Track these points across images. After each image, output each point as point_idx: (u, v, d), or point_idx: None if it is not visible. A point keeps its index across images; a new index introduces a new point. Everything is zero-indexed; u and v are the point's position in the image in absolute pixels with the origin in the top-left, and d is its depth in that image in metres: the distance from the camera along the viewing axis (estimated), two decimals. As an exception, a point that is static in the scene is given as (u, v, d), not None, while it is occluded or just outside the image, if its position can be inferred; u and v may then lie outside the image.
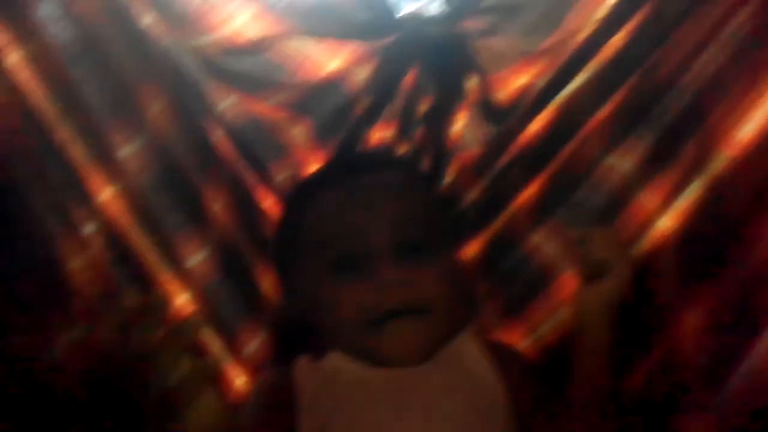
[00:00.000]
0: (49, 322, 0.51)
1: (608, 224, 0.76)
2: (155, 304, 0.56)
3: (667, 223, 0.72)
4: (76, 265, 0.56)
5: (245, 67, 0.73)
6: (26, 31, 0.59)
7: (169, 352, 0.53)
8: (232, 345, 0.78)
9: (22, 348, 0.50)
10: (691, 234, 0.70)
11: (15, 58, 0.59)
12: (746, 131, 0.65)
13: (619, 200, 0.76)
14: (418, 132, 0.86)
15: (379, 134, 0.86)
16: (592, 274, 0.72)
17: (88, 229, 0.63)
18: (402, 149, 0.87)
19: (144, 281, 0.69)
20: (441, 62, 0.78)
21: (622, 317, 0.72)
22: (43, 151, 0.59)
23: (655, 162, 0.73)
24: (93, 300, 0.57)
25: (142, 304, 0.56)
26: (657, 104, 0.72)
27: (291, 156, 0.84)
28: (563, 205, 0.79)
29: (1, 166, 0.51)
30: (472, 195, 0.86)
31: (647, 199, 0.74)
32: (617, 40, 0.72)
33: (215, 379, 0.72)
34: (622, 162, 0.74)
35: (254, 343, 0.80)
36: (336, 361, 0.74)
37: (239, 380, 0.79)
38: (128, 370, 0.52)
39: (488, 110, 0.82)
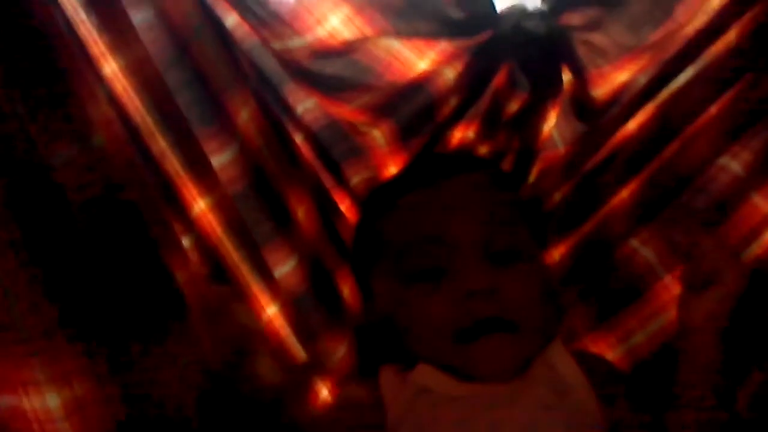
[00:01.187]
0: (170, 337, 0.49)
1: (717, 228, 0.72)
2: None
3: None
4: (181, 278, 0.54)
5: (333, 69, 0.71)
6: (123, 39, 0.56)
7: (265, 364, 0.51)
8: (318, 355, 0.76)
9: (144, 368, 0.48)
10: None
11: (111, 69, 0.57)
12: None
13: (729, 203, 0.72)
14: (502, 132, 0.83)
15: (461, 134, 0.83)
16: (698, 283, 0.68)
17: (185, 242, 0.61)
18: (483, 150, 0.84)
19: (236, 296, 0.67)
20: (537, 58, 0.74)
21: (733, 330, 0.68)
22: (142, 164, 0.57)
23: (765, 165, 0.69)
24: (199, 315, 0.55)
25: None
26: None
27: (369, 159, 0.82)
28: (666, 208, 0.75)
29: (121, 180, 0.49)
30: (559, 195, 0.82)
31: (761, 202, 0.69)
32: (732, 34, 0.68)
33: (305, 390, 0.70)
34: (734, 163, 0.70)
35: (339, 352, 0.77)
36: (426, 373, 0.71)
37: (325, 390, 0.76)
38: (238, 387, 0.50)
39: (581, 108, 0.78)
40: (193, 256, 0.63)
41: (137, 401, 0.48)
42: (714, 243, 0.69)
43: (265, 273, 0.71)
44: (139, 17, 0.59)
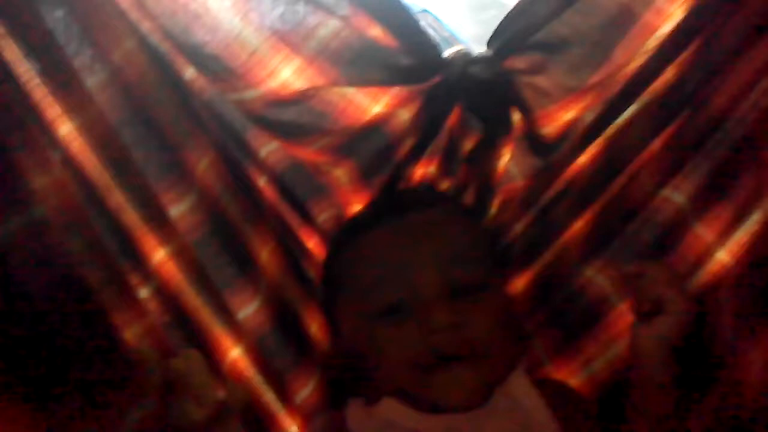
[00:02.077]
0: (113, 399, 0.51)
1: (663, 258, 0.74)
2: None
3: (724, 257, 0.70)
4: (133, 333, 0.56)
5: (288, 116, 0.73)
6: (77, 102, 0.58)
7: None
8: (285, 394, 0.77)
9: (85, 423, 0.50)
10: (750, 268, 0.68)
11: (67, 130, 0.59)
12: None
13: (674, 233, 0.74)
14: (462, 168, 0.85)
15: (422, 171, 0.85)
16: (647, 310, 0.70)
17: (144, 294, 0.63)
18: (444, 185, 0.86)
19: (198, 342, 0.68)
20: (485, 101, 0.77)
21: (682, 355, 0.70)
22: (96, 220, 0.59)
23: (710, 194, 0.71)
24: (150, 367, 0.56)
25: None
26: (712, 136, 0.70)
27: (334, 197, 0.84)
28: (616, 238, 0.77)
29: (60, 241, 0.51)
30: (518, 228, 0.84)
31: (703, 232, 0.72)
32: (669, 71, 0.70)
33: None
34: (676, 194, 0.73)
35: (306, 390, 0.79)
36: (391, 408, 0.73)
37: (292, 428, 0.78)
38: None
39: (534, 144, 0.81)
40: (152, 306, 0.64)
41: None
42: (660, 272, 0.71)
43: (227, 316, 0.73)
44: (93, 79, 0.61)
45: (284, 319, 0.78)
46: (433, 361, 0.71)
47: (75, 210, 0.54)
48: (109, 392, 0.50)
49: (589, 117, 0.75)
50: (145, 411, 0.51)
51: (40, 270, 0.49)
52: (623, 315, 0.77)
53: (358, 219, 0.83)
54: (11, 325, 0.48)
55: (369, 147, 0.81)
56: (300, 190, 0.82)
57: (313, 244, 0.84)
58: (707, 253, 0.72)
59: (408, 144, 0.82)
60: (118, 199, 0.63)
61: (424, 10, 0.76)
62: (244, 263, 0.75)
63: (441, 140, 0.83)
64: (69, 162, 0.59)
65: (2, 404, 0.46)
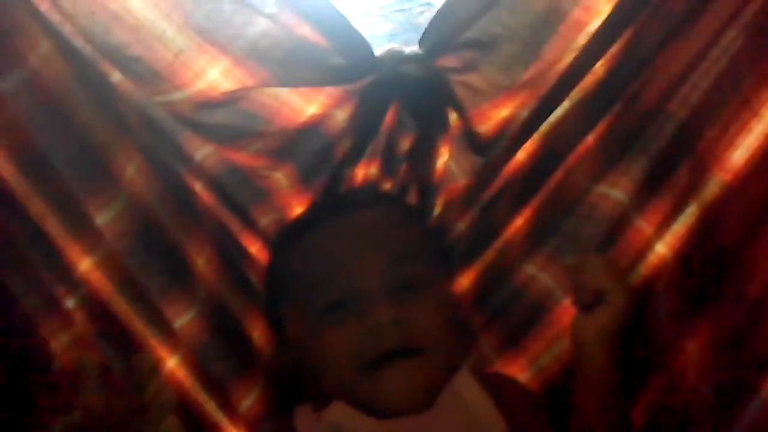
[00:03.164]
0: (39, 409, 0.49)
1: (603, 253, 0.74)
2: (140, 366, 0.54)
3: (662, 249, 0.71)
4: (60, 343, 0.54)
5: (220, 119, 0.72)
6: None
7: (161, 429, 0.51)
8: (228, 402, 0.76)
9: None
10: (687, 260, 0.68)
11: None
12: (739, 154, 0.64)
13: (612, 228, 0.75)
14: (402, 168, 0.84)
15: (363, 173, 0.85)
16: (587, 303, 0.71)
17: (70, 303, 0.61)
18: (387, 186, 0.85)
19: (131, 351, 0.67)
20: (420, 100, 0.76)
21: (622, 346, 0.70)
22: (18, 229, 0.57)
23: (648, 188, 0.72)
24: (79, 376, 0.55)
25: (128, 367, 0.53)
26: (645, 130, 0.70)
27: (275, 201, 0.82)
28: (556, 234, 0.78)
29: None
30: (462, 227, 0.84)
31: (641, 226, 0.72)
32: (599, 67, 0.71)
33: None
34: (614, 190, 0.73)
35: (250, 398, 0.78)
36: (339, 412, 0.72)
37: (237, 437, 0.76)
38: None
39: (472, 142, 0.80)
40: (80, 316, 0.62)
41: None
42: (600, 265, 0.71)
43: (162, 326, 0.71)
44: (5, 85, 0.59)
45: (224, 327, 0.77)
46: (374, 357, 0.69)
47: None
48: (36, 402, 0.49)
49: (523, 114, 0.75)
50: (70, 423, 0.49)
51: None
52: (568, 310, 0.77)
53: (299, 220, 0.82)
54: None
55: (307, 149, 0.80)
56: (239, 194, 0.81)
57: (255, 249, 0.83)
58: (647, 246, 0.73)
59: (346, 145, 0.81)
60: (38, 207, 0.61)
61: (429, 3, 0.75)
62: (179, 271, 0.73)
63: (379, 141, 0.82)
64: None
65: None
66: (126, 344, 0.68)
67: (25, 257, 0.56)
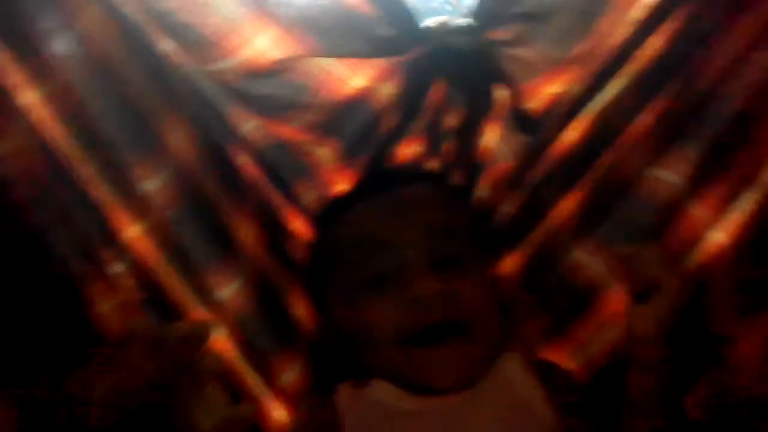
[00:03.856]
0: (82, 369, 0.49)
1: (656, 239, 0.72)
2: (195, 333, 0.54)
3: (719, 236, 0.69)
4: (105, 308, 0.54)
5: (266, 89, 0.71)
6: (42, 70, 0.57)
7: (204, 395, 0.51)
8: (269, 376, 0.76)
9: (57, 396, 0.49)
10: (745, 248, 0.66)
11: (32, 98, 0.57)
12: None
13: (666, 213, 0.73)
14: (448, 145, 0.83)
15: (408, 150, 0.84)
16: (642, 293, 0.68)
17: (117, 268, 0.61)
18: (431, 164, 0.84)
19: (176, 319, 0.67)
20: (468, 74, 0.75)
21: (678, 337, 0.68)
22: (66, 192, 0.57)
23: (704, 173, 0.70)
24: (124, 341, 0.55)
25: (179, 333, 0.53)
26: (703, 111, 0.68)
27: (318, 177, 0.82)
28: (607, 218, 0.76)
29: (24, 212, 0.49)
30: (508, 208, 0.83)
31: (697, 211, 0.70)
32: (655, 42, 0.69)
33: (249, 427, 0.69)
34: (669, 173, 0.71)
35: (292, 372, 0.78)
36: (381, 389, 0.72)
37: (277, 411, 0.76)
38: (164, 412, 0.50)
39: (520, 120, 0.79)
40: (127, 282, 0.63)
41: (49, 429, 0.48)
42: (654, 253, 0.69)
43: (206, 295, 0.72)
44: (58, 46, 0.59)
45: (267, 300, 0.77)
46: (418, 329, 0.69)
47: (41, 178, 0.52)
48: (77, 365, 0.49)
49: (575, 90, 0.74)
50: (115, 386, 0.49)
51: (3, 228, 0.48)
52: (617, 297, 0.75)
53: (344, 196, 0.82)
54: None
55: (352, 125, 0.79)
56: (283, 169, 0.81)
57: (297, 224, 0.83)
58: (702, 232, 0.71)
59: (391, 121, 0.80)
60: (87, 171, 0.62)
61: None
62: (224, 242, 0.74)
63: (425, 117, 0.81)
64: (33, 131, 0.57)
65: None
66: (171, 312, 0.68)
67: (73, 220, 0.56)
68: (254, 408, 0.71)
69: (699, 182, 0.70)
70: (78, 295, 0.52)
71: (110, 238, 0.64)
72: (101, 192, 0.62)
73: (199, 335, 0.52)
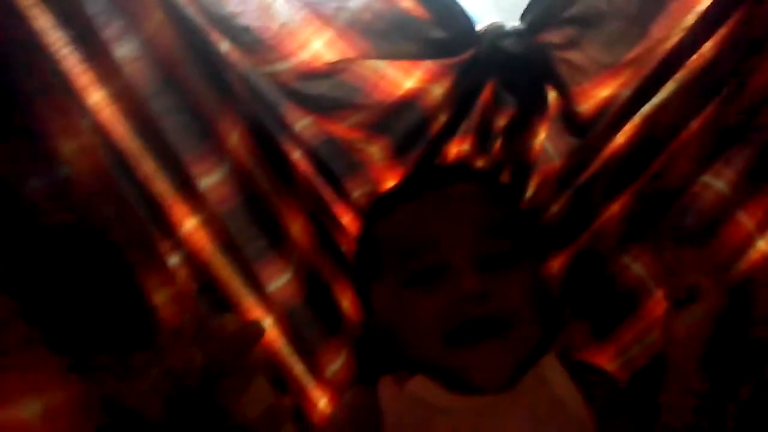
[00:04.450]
0: (141, 353, 0.52)
1: (702, 245, 0.72)
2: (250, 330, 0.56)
3: (764, 246, 0.69)
4: (160, 298, 0.57)
5: (320, 90, 0.73)
6: (108, 72, 0.60)
7: (252, 384, 0.53)
8: (315, 367, 0.78)
9: (114, 379, 0.51)
10: None
11: (97, 98, 0.60)
12: None
13: (712, 220, 0.72)
14: (497, 145, 0.84)
15: (457, 149, 0.85)
16: (680, 298, 0.68)
17: (173, 260, 0.64)
18: (480, 163, 0.85)
19: (228, 310, 0.69)
20: (519, 77, 0.76)
21: (720, 346, 0.68)
22: (127, 187, 0.60)
23: (751, 181, 0.70)
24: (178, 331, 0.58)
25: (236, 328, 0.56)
26: (753, 118, 0.68)
27: (368, 173, 0.84)
28: (652, 223, 0.76)
29: (89, 207, 0.52)
30: (555, 209, 0.83)
31: (743, 220, 0.70)
32: (707, 48, 0.68)
33: (293, 417, 0.72)
34: (716, 180, 0.71)
35: (336, 364, 0.79)
36: (420, 384, 0.73)
37: (322, 401, 0.78)
38: (212, 401, 0.53)
39: (570, 123, 0.79)
40: (182, 273, 0.65)
41: (110, 409, 0.51)
42: (697, 259, 0.69)
43: (257, 287, 0.74)
44: (124, 50, 0.62)
45: (315, 292, 0.79)
46: (458, 325, 0.70)
47: (104, 175, 0.55)
48: (135, 352, 0.52)
49: (626, 94, 0.74)
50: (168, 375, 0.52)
51: (66, 228, 0.51)
52: (660, 302, 0.75)
53: (391, 193, 0.83)
54: (39, 280, 0.49)
55: (402, 124, 0.80)
56: (334, 166, 0.83)
57: (347, 220, 0.85)
58: (748, 241, 0.70)
59: (441, 120, 0.81)
60: (148, 167, 0.64)
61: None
62: (276, 236, 0.76)
63: (474, 117, 0.82)
64: (98, 129, 0.60)
65: (32, 355, 0.48)
66: (223, 304, 0.70)
67: (132, 214, 0.59)
68: (297, 400, 0.73)
69: (746, 190, 0.70)
70: (137, 286, 0.55)
71: (167, 231, 0.66)
72: (161, 187, 0.65)
73: (252, 332, 0.54)
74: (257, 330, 0.54)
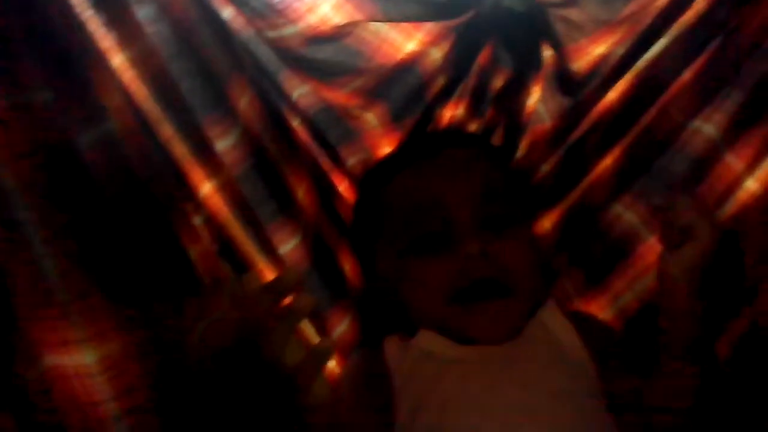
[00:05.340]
0: (184, 308, 0.53)
1: (692, 190, 0.75)
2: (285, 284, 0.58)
3: (752, 186, 0.71)
4: (193, 254, 0.58)
5: (324, 55, 0.74)
6: (129, 35, 0.60)
7: (288, 335, 0.55)
8: (323, 329, 0.79)
9: (167, 327, 0.53)
10: None
11: (119, 61, 0.60)
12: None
13: (704, 164, 0.75)
14: (491, 107, 0.86)
15: (452, 113, 0.86)
16: (674, 241, 0.71)
17: (197, 221, 0.65)
18: (474, 126, 0.87)
19: (244, 270, 0.70)
20: (517, 35, 0.78)
21: (710, 283, 0.71)
22: (153, 147, 0.61)
23: (740, 123, 0.72)
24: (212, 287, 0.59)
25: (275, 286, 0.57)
26: (743, 65, 0.70)
27: (363, 141, 0.85)
28: (645, 173, 0.78)
29: (131, 165, 0.53)
30: (547, 168, 0.85)
31: (733, 161, 0.73)
32: (700, 1, 0.71)
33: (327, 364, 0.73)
34: (706, 125, 0.73)
35: (342, 327, 0.81)
36: (427, 339, 0.75)
37: (330, 363, 0.80)
38: (253, 351, 0.54)
39: (563, 82, 0.82)
40: (204, 234, 0.66)
41: (165, 356, 0.52)
42: (688, 201, 0.72)
43: (270, 250, 0.75)
44: (143, 12, 0.62)
45: (321, 256, 0.80)
46: (466, 285, 0.71)
47: (135, 135, 0.56)
48: (181, 302, 0.53)
49: (620, 51, 0.76)
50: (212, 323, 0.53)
51: (116, 179, 0.52)
52: (652, 248, 0.78)
53: (389, 159, 0.85)
54: (96, 232, 0.50)
55: (400, 89, 0.82)
56: (331, 134, 0.84)
57: (343, 187, 0.86)
58: (737, 182, 0.73)
59: (439, 84, 0.83)
60: (168, 131, 0.65)
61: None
62: (285, 200, 0.77)
63: (470, 80, 0.84)
64: (124, 91, 0.60)
65: (91, 304, 0.49)
66: (240, 266, 0.71)
67: (161, 175, 0.60)
68: (333, 343, 0.74)
69: (734, 132, 0.72)
70: (179, 240, 0.56)
71: (188, 194, 0.67)
72: (180, 150, 0.66)
73: (287, 280, 0.56)
74: (293, 278, 0.55)
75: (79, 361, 0.51)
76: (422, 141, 0.84)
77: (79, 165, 0.50)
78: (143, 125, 0.62)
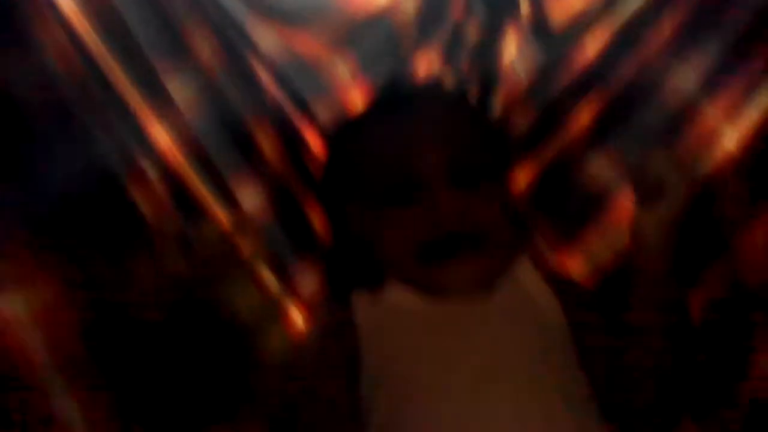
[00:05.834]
0: (130, 255, 0.52)
1: (670, 144, 0.74)
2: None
3: (730, 140, 0.70)
4: (146, 209, 0.56)
5: (294, 4, 0.71)
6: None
7: (240, 285, 0.53)
8: (289, 283, 0.78)
9: (107, 279, 0.51)
10: (755, 152, 0.68)
11: (69, 6, 0.58)
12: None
13: (681, 117, 0.74)
14: (467, 60, 0.84)
15: (425, 65, 0.84)
16: (648, 196, 0.70)
17: (152, 174, 0.63)
18: (449, 79, 0.85)
19: (203, 222, 0.69)
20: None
21: (687, 236, 0.70)
22: (105, 98, 0.59)
23: (721, 71, 0.71)
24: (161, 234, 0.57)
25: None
26: (724, 12, 0.68)
27: (334, 94, 0.83)
28: (620, 127, 0.77)
29: (70, 110, 0.51)
30: (523, 123, 0.84)
31: (710, 113, 0.72)
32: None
33: (281, 315, 0.72)
34: (686, 77, 0.72)
35: (310, 280, 0.80)
36: (395, 293, 0.73)
37: (297, 317, 0.79)
38: (203, 299, 0.53)
39: (541, 33, 0.79)
40: (160, 187, 0.64)
41: (104, 308, 0.51)
42: (662, 157, 0.71)
43: (231, 202, 0.73)
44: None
45: (287, 210, 0.79)
46: (436, 239, 0.71)
47: (83, 84, 0.53)
48: (126, 251, 0.51)
49: (598, 4, 0.74)
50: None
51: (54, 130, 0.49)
52: (626, 203, 0.77)
53: (361, 114, 0.83)
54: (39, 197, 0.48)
55: (373, 39, 0.80)
56: (301, 86, 0.82)
57: (313, 141, 0.84)
58: (714, 136, 0.72)
59: (411, 35, 0.81)
60: (123, 78, 0.63)
61: None
62: (247, 151, 0.75)
63: (444, 33, 0.82)
64: (73, 38, 0.58)
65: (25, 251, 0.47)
66: (198, 215, 0.70)
67: (110, 127, 0.58)
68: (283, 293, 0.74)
69: (713, 83, 0.71)
70: (126, 193, 0.54)
71: (147, 146, 0.65)
72: (137, 102, 0.63)
73: (227, 236, 0.54)
74: (250, 227, 0.54)
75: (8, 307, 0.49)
76: (394, 95, 0.82)
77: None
78: (95, 75, 0.60)
